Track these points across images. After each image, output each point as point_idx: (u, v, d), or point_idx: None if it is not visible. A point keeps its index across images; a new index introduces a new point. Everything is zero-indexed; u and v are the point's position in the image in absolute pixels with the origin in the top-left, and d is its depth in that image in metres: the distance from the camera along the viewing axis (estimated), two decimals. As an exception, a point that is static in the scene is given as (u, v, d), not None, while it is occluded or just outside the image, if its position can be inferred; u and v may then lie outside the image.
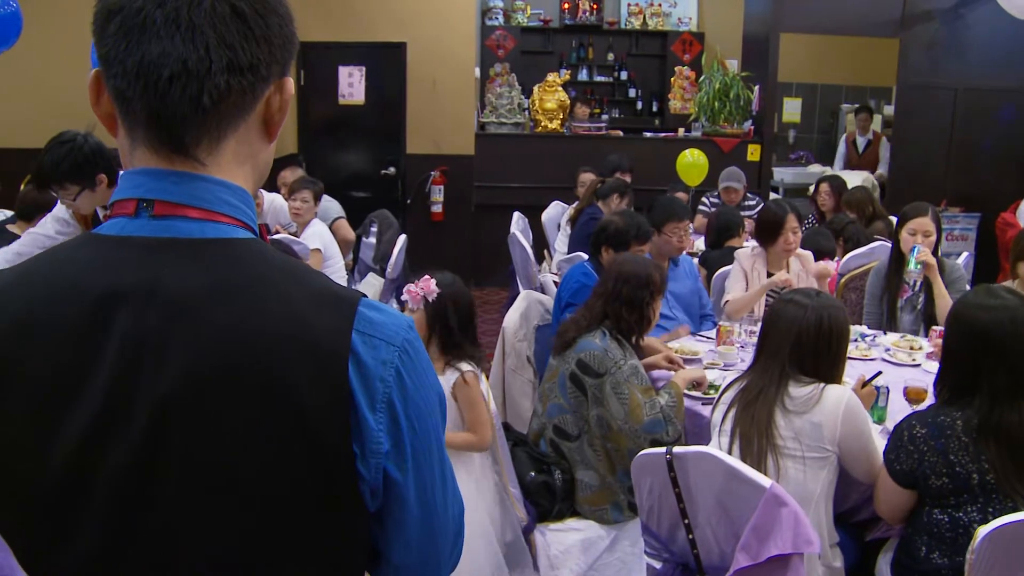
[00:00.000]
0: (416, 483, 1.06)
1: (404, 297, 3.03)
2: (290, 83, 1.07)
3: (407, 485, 1.05)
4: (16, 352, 0.96)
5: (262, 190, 6.66)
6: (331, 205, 6.51)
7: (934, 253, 4.30)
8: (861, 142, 9.35)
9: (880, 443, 2.90)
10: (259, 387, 0.96)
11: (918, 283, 4.27)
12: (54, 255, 1.03)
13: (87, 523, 0.97)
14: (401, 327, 1.04)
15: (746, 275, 4.48)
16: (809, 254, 4.72)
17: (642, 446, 3.13)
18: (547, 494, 3.22)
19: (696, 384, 3.42)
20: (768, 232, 4.46)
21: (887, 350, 4.04)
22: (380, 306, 1.05)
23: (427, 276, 3.05)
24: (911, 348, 4.01)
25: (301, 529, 1.00)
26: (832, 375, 2.70)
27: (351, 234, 6.45)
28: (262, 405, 0.96)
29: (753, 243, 4.65)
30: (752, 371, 2.77)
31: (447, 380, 3.04)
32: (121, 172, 1.05)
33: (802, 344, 2.66)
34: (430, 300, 3.02)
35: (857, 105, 9.72)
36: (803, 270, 4.56)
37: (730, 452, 2.61)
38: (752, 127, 8.75)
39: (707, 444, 2.78)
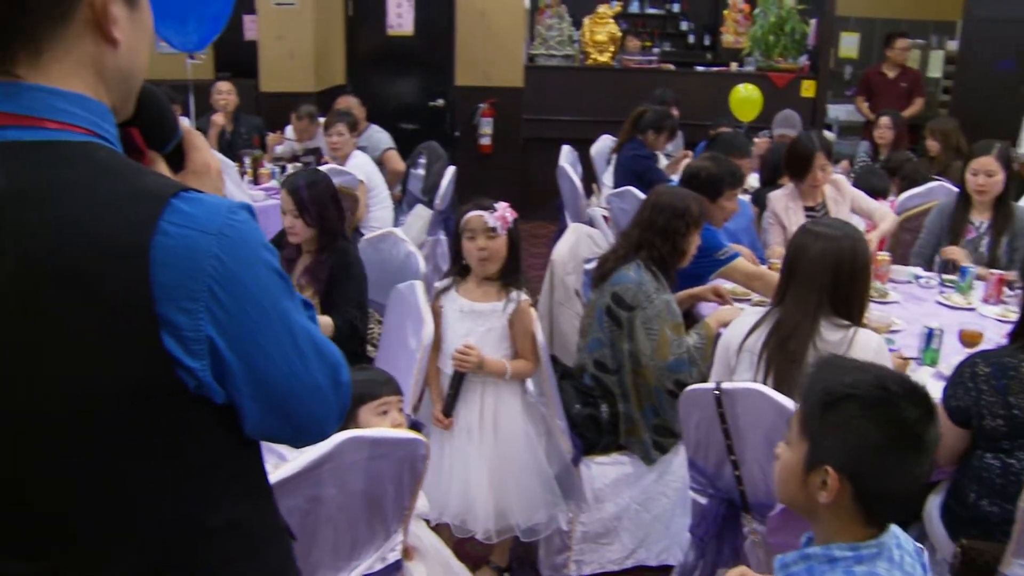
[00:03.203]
0: (261, 361, 1.10)
1: (493, 224, 2.98)
2: None
3: (250, 365, 1.09)
4: None
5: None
6: (382, 136, 6.48)
7: (1004, 193, 4.20)
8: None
9: (931, 386, 2.87)
10: (68, 281, 0.99)
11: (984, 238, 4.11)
12: None
13: None
14: (219, 213, 1.05)
15: (779, 218, 4.43)
16: (843, 179, 4.66)
17: (665, 384, 3.12)
18: (593, 427, 3.22)
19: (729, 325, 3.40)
20: (798, 166, 4.41)
21: (941, 292, 3.98)
22: (202, 198, 1.06)
23: (504, 203, 3.02)
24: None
25: (128, 419, 1.05)
26: (862, 308, 2.64)
27: (401, 165, 6.43)
28: (72, 299, 1.00)
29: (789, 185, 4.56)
30: (782, 307, 2.66)
31: (504, 307, 3.04)
32: None
33: (840, 273, 2.56)
34: (510, 227, 3.02)
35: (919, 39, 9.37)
36: (838, 194, 4.51)
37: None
38: (807, 62, 8.55)
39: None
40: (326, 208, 3.47)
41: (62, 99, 1.04)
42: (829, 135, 7.57)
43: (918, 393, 1.54)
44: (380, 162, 6.23)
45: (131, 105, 1.18)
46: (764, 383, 2.58)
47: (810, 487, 1.54)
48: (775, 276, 3.76)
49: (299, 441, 1.27)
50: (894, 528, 1.58)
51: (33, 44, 1.03)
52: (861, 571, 1.48)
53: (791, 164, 4.46)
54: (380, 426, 2.37)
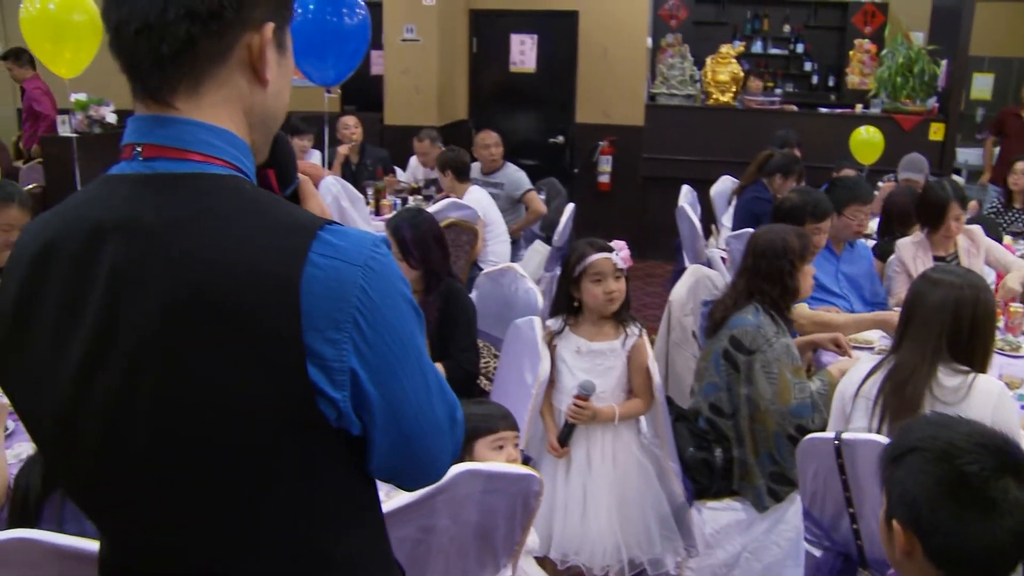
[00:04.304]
0: (397, 394, 1.11)
1: (622, 265, 3.04)
2: (268, 28, 1.11)
3: (387, 398, 1.10)
4: (42, 275, 1.10)
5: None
6: (521, 176, 6.45)
7: None
8: None
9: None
10: (217, 311, 1.02)
11: None
12: (82, 192, 1.15)
13: (86, 434, 1.09)
14: (364, 246, 1.07)
15: (906, 266, 4.31)
16: (978, 228, 4.50)
17: (787, 430, 3.07)
18: (706, 471, 3.19)
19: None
20: (930, 215, 4.28)
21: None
22: (346, 231, 1.08)
23: (621, 242, 3.08)
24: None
25: (269, 449, 1.07)
26: (986, 357, 2.55)
27: (543, 207, 6.37)
28: (220, 329, 1.02)
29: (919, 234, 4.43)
30: (899, 352, 2.59)
31: (624, 344, 3.09)
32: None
33: (960, 320, 2.49)
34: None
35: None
36: (972, 245, 4.37)
37: (879, 432, 2.51)
38: (937, 104, 8.31)
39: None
40: (429, 249, 3.47)
41: (209, 133, 1.09)
42: (958, 179, 7.35)
43: (994, 449, 1.45)
44: (520, 202, 6.29)
45: (268, 147, 1.23)
46: (879, 429, 2.53)
47: (893, 542, 1.50)
48: (834, 319, 3.70)
49: (415, 482, 1.27)
50: None
51: (194, 78, 1.08)
52: None
53: (923, 213, 4.33)
54: (495, 460, 2.40)
